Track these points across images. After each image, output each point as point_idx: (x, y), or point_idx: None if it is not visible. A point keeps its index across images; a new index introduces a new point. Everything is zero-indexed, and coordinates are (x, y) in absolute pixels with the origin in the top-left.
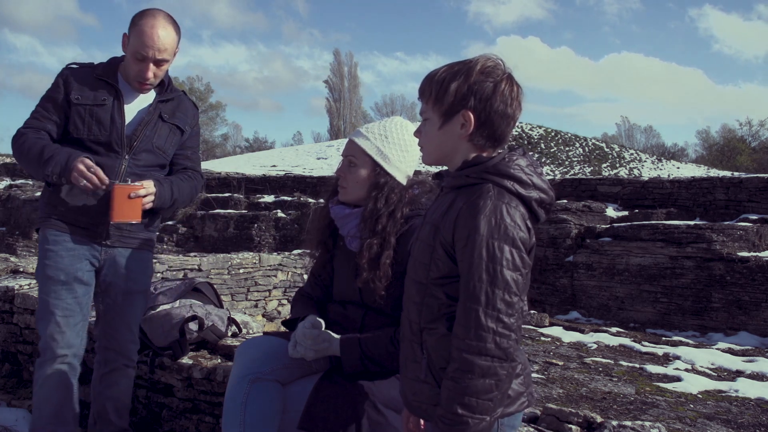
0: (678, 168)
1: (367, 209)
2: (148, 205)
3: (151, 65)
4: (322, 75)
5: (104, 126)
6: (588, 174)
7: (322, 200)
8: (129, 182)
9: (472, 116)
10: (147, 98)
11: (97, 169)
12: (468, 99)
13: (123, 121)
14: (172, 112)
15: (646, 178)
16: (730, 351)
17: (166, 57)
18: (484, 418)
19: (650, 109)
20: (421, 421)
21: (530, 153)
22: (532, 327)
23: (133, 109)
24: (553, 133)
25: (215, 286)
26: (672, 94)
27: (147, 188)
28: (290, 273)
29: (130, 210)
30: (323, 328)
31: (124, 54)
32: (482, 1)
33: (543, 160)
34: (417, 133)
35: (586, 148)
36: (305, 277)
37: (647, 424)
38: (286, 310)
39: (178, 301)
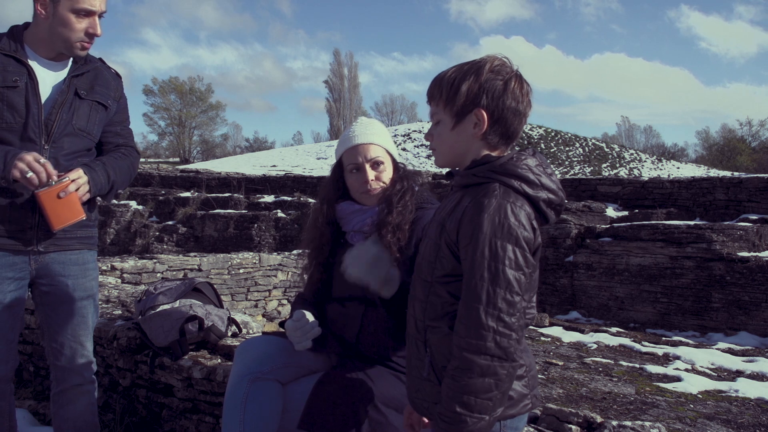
0: (678, 168)
1: (395, 189)
2: (86, 196)
3: (97, 19)
4: (311, 75)
5: (18, 112)
6: (588, 174)
7: None
8: (51, 182)
9: (485, 114)
10: (59, 73)
11: (46, 162)
12: (480, 98)
13: (39, 105)
14: (90, 87)
15: (646, 178)
16: (730, 351)
17: (106, 8)
18: (483, 417)
19: (643, 110)
20: (424, 419)
21: (541, 153)
22: (532, 327)
23: (45, 88)
24: (553, 133)
25: (215, 286)
26: (662, 94)
27: (77, 180)
28: (290, 273)
29: (68, 210)
30: (309, 318)
31: (27, 22)
32: (462, 0)
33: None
34: (428, 137)
35: (586, 148)
36: (305, 278)
37: (647, 424)
38: (286, 310)
39: (178, 301)
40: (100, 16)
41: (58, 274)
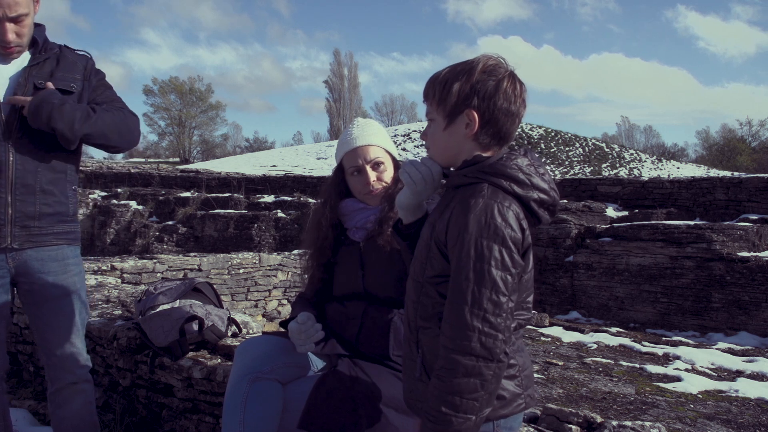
0: (678, 168)
1: (397, 188)
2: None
3: (8, 24)
4: (310, 75)
5: None
6: (588, 174)
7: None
8: None
9: (476, 115)
10: (17, 67)
11: None
12: (471, 98)
13: None
14: (49, 74)
15: (646, 178)
16: (730, 351)
17: (21, 11)
18: (468, 418)
19: (642, 110)
20: None
21: (534, 153)
22: (532, 327)
23: (3, 81)
24: (553, 133)
25: (215, 286)
26: (661, 94)
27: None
28: (290, 273)
29: None
30: (314, 321)
31: None
32: (459, 0)
33: (543, 160)
34: (423, 136)
35: (586, 148)
36: (305, 277)
37: (647, 424)
38: (286, 310)
39: (178, 301)
40: (16, 20)
41: (37, 271)
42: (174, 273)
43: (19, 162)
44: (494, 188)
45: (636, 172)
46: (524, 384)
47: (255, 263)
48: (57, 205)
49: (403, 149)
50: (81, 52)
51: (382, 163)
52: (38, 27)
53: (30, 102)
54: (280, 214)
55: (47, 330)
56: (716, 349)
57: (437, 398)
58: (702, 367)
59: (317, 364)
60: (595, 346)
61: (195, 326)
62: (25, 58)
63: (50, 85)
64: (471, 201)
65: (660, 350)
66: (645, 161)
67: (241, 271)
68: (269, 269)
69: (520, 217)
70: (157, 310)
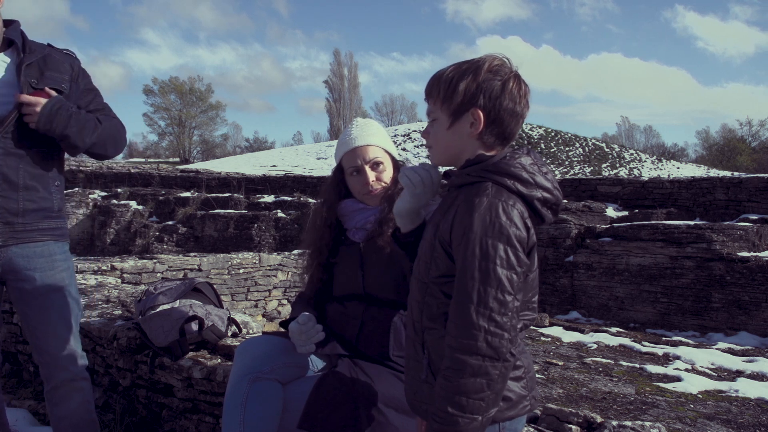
0: (678, 168)
1: (396, 188)
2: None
3: None
4: (309, 75)
5: None
6: (588, 174)
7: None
8: None
9: (481, 114)
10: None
11: None
12: (477, 97)
13: None
14: (40, 74)
15: (646, 178)
16: (730, 351)
17: None
18: (475, 418)
19: (642, 110)
20: None
21: (536, 152)
22: (532, 327)
23: None
24: (553, 133)
25: (215, 286)
26: (661, 94)
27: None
28: (290, 273)
29: None
30: (314, 322)
31: None
32: (458, 0)
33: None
34: (425, 134)
35: (586, 148)
36: (305, 277)
37: (647, 424)
38: (286, 310)
39: (178, 301)
40: None
41: (24, 268)
42: (174, 273)
43: (1, 158)
44: (498, 187)
45: (636, 172)
46: (529, 386)
47: (255, 263)
48: (41, 201)
49: (403, 149)
50: (66, 51)
51: (381, 163)
52: (11, 24)
53: (44, 106)
54: (280, 214)
55: (37, 327)
56: (716, 349)
57: (443, 399)
58: (702, 367)
59: (317, 364)
60: (595, 346)
61: (195, 326)
62: (8, 53)
63: (52, 92)
64: (475, 200)
65: (660, 350)
66: (645, 161)
67: (241, 271)
68: (269, 269)
69: (524, 216)
70: (157, 310)
